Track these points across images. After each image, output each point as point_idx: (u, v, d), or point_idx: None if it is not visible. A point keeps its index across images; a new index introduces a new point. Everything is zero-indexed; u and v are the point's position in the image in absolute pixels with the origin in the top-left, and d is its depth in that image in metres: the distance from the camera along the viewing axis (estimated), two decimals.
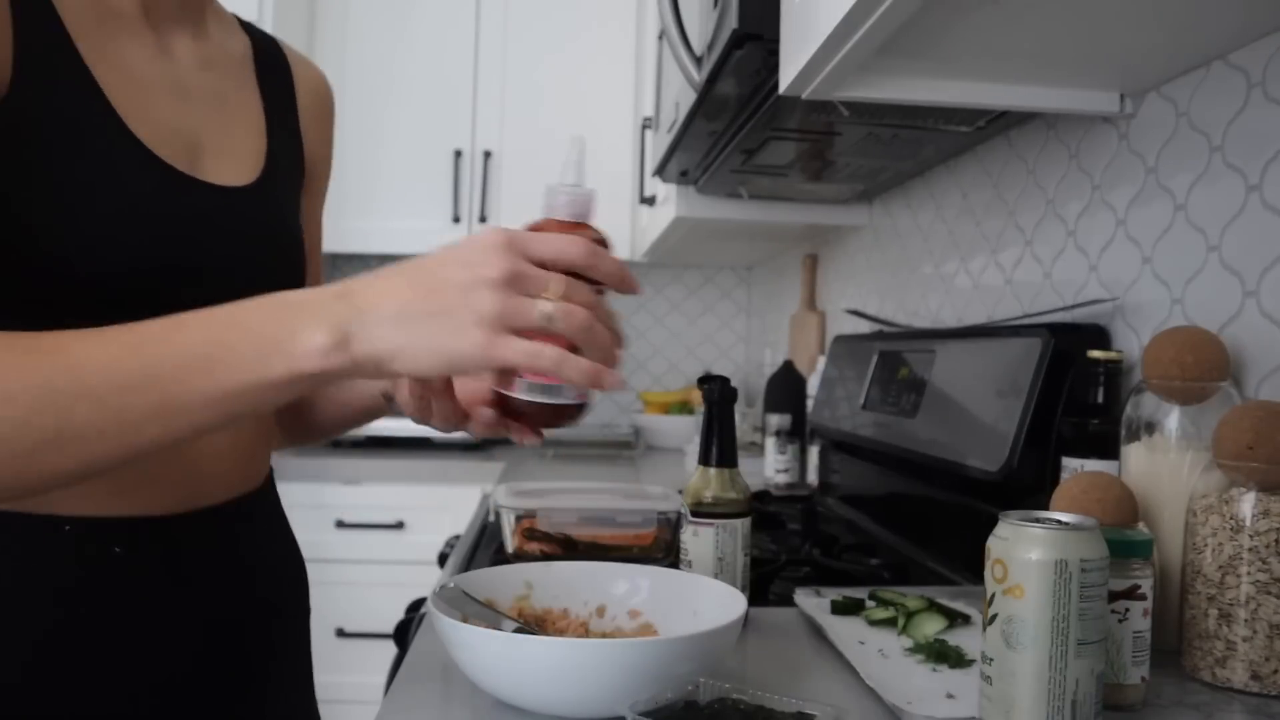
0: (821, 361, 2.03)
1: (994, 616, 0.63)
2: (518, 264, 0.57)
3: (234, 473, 0.81)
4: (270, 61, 0.91)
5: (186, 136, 0.77)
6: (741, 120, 1.39)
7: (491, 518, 1.44)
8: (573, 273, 0.59)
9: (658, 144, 1.88)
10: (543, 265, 0.58)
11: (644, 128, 2.29)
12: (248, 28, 0.91)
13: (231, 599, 0.79)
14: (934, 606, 0.91)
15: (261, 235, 0.81)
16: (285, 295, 0.58)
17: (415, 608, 1.18)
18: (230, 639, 0.79)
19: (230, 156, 0.81)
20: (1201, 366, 0.84)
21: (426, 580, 1.95)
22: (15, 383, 0.53)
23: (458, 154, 2.77)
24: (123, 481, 0.71)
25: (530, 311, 0.57)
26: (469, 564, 1.25)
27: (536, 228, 0.63)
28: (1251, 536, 0.73)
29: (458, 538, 1.48)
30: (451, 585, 0.79)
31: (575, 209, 0.64)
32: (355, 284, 0.58)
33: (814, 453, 1.94)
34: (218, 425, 0.58)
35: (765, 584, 1.11)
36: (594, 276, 0.60)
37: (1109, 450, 0.95)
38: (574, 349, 0.59)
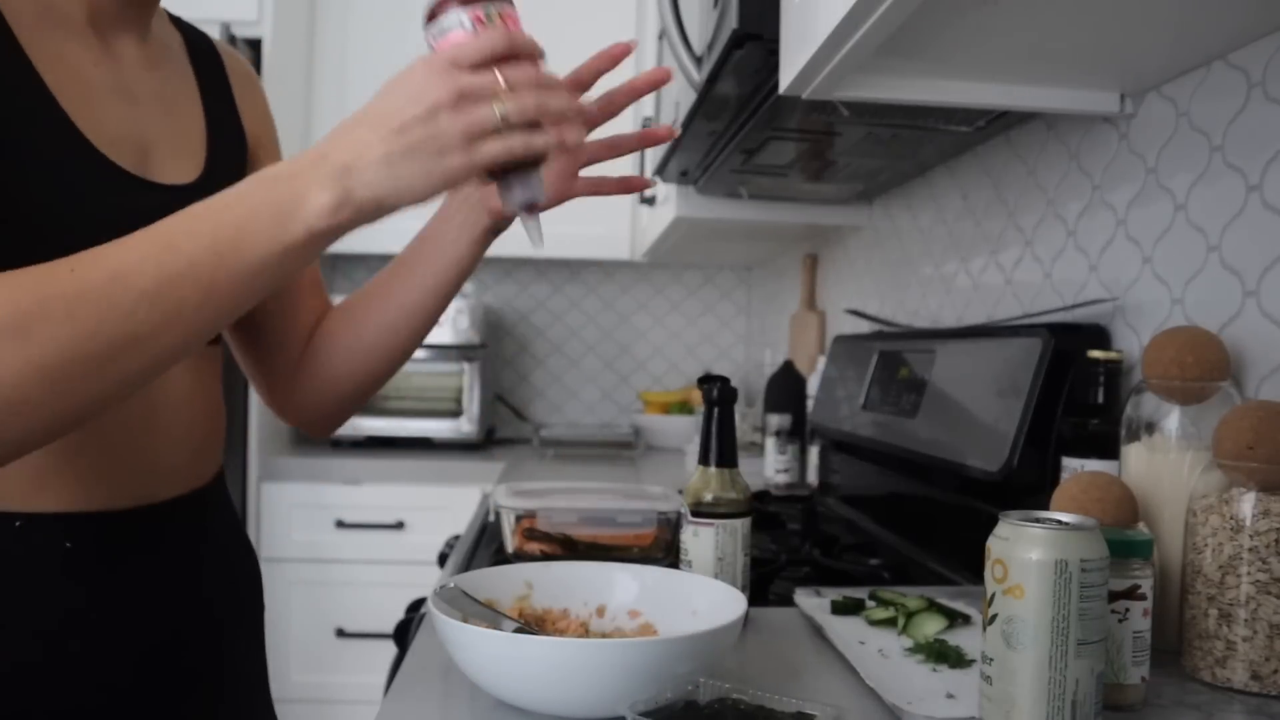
0: (821, 361, 2.03)
1: (994, 616, 0.63)
2: (457, 79, 0.63)
3: (185, 468, 0.82)
4: (203, 56, 0.91)
5: (135, 139, 0.77)
6: (741, 120, 1.39)
7: (491, 518, 1.44)
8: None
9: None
10: (475, 68, 0.64)
11: (644, 128, 2.29)
12: (178, 23, 0.91)
13: (183, 595, 0.80)
14: (934, 606, 0.91)
15: None
16: (273, 169, 0.63)
17: (415, 608, 1.18)
18: (181, 636, 0.79)
19: (177, 156, 0.82)
20: (1201, 366, 0.84)
21: (426, 580, 1.95)
22: (75, 300, 0.57)
23: None
24: (73, 476, 0.72)
25: (488, 117, 0.63)
26: (469, 564, 1.25)
27: (434, 10, 0.69)
28: (1251, 536, 0.73)
29: (458, 538, 1.48)
30: (451, 585, 0.79)
31: None
32: (326, 146, 0.63)
33: (814, 453, 1.94)
34: (255, 300, 0.63)
35: (765, 584, 1.11)
36: (517, 54, 0.66)
37: (1109, 450, 0.95)
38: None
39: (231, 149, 0.90)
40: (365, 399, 0.98)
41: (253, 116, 0.95)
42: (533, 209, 0.70)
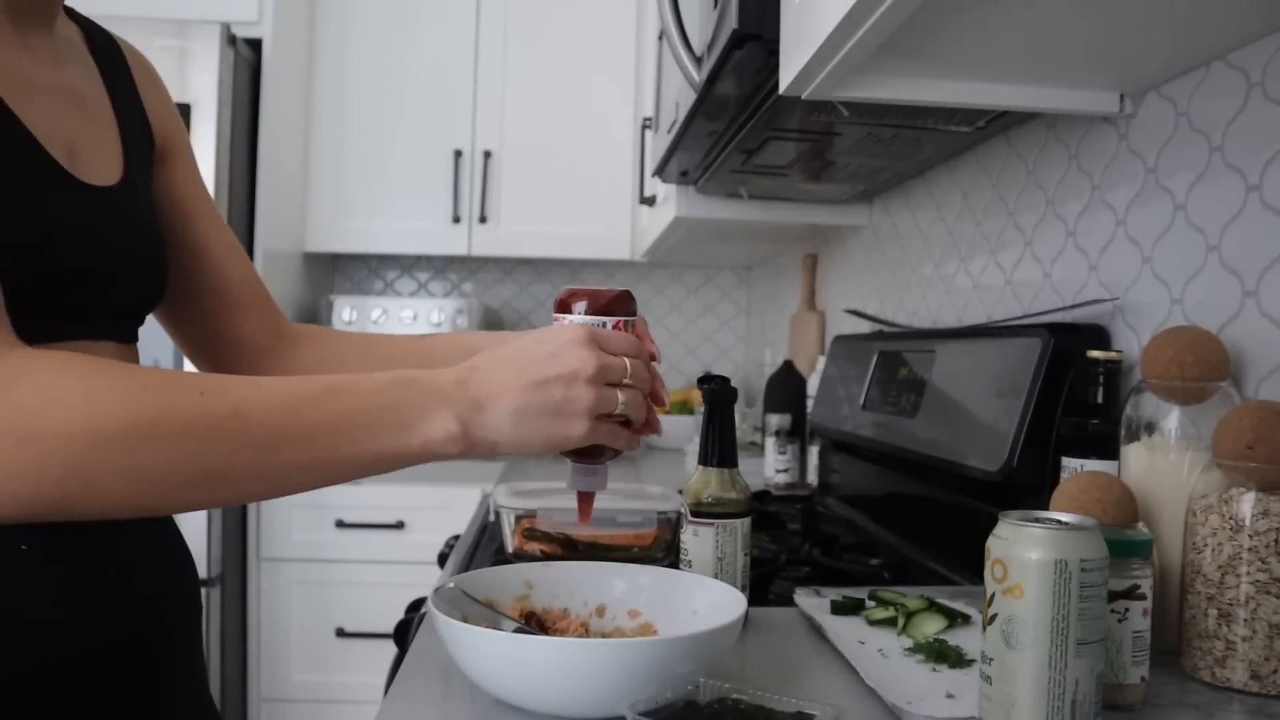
0: (821, 361, 2.03)
1: (994, 616, 0.63)
2: (601, 359, 0.68)
3: None
4: (104, 51, 0.87)
5: (64, 137, 0.75)
6: (741, 120, 1.39)
7: (491, 518, 1.44)
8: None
9: (658, 144, 1.88)
10: (614, 354, 0.70)
11: (644, 128, 2.29)
12: (73, 15, 0.86)
13: (138, 596, 0.78)
14: (934, 606, 0.91)
15: (134, 235, 0.81)
16: (415, 375, 0.67)
17: (415, 608, 1.18)
18: (139, 639, 0.77)
19: (98, 156, 0.79)
20: (1201, 366, 0.84)
21: (426, 580, 1.95)
22: (191, 421, 0.59)
23: (458, 154, 2.77)
24: None
25: (613, 401, 0.69)
26: (469, 564, 1.25)
27: (568, 293, 0.76)
28: (1251, 536, 0.73)
29: (458, 538, 1.48)
30: (451, 585, 0.79)
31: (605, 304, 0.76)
32: (473, 374, 0.67)
33: (814, 453, 1.94)
34: (348, 480, 0.67)
35: (765, 584, 1.11)
36: (642, 358, 0.73)
37: (1109, 450, 0.95)
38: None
39: (143, 148, 0.87)
40: None
41: (157, 110, 0.91)
42: (587, 496, 0.78)
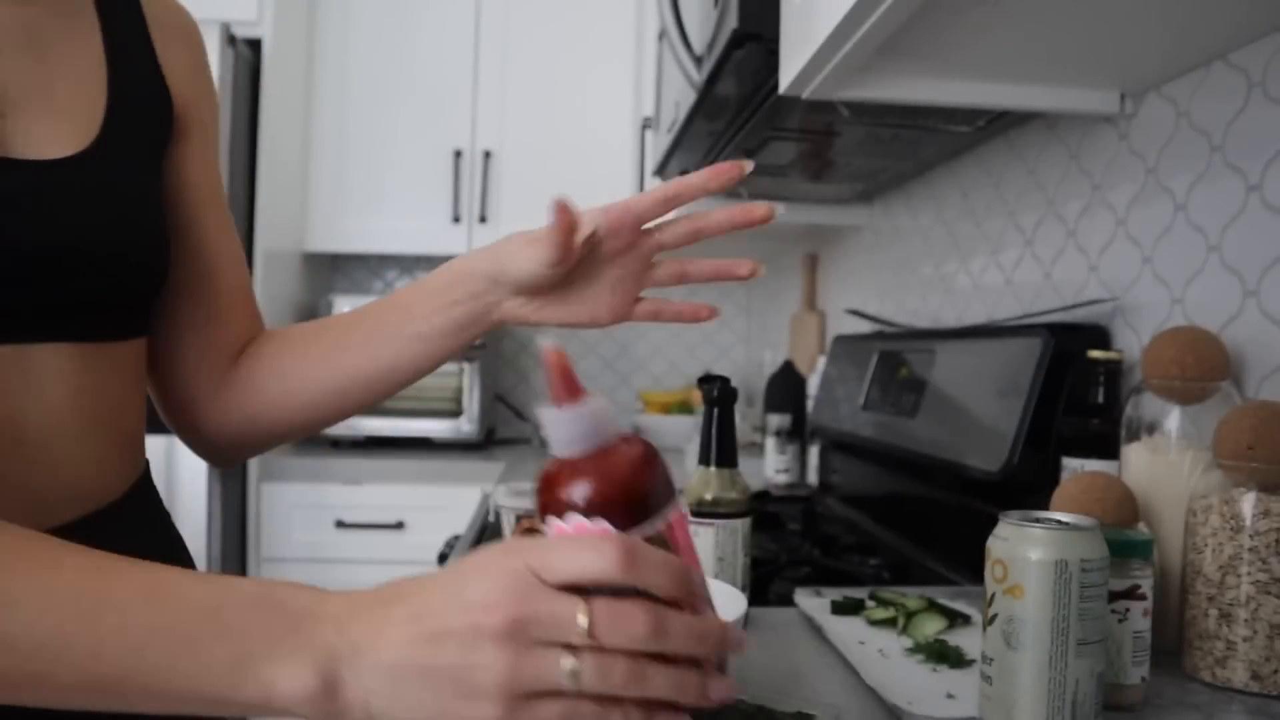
0: (821, 361, 2.03)
1: (994, 616, 0.63)
2: (527, 601, 0.44)
3: (79, 493, 0.68)
4: None
5: None
6: (741, 120, 1.39)
7: (491, 518, 1.44)
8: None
9: (658, 144, 1.88)
10: (567, 588, 0.44)
11: (644, 128, 2.29)
12: None
13: None
14: (934, 606, 0.91)
15: (99, 215, 0.66)
16: (280, 593, 0.48)
17: None
18: None
19: (51, 118, 0.65)
20: (1201, 366, 0.84)
21: None
22: None
23: (458, 154, 2.77)
24: None
25: (550, 671, 0.43)
26: None
27: (550, 477, 0.49)
28: (1251, 536, 0.73)
29: (458, 538, 1.48)
30: None
31: (586, 434, 0.48)
32: (355, 607, 0.47)
33: (814, 453, 1.94)
34: (155, 715, 0.48)
35: (765, 584, 1.11)
36: (640, 587, 0.44)
37: (1109, 450, 0.95)
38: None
39: (142, 114, 0.72)
40: (296, 439, 0.85)
41: (182, 76, 0.76)
42: None
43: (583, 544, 0.44)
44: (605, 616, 0.43)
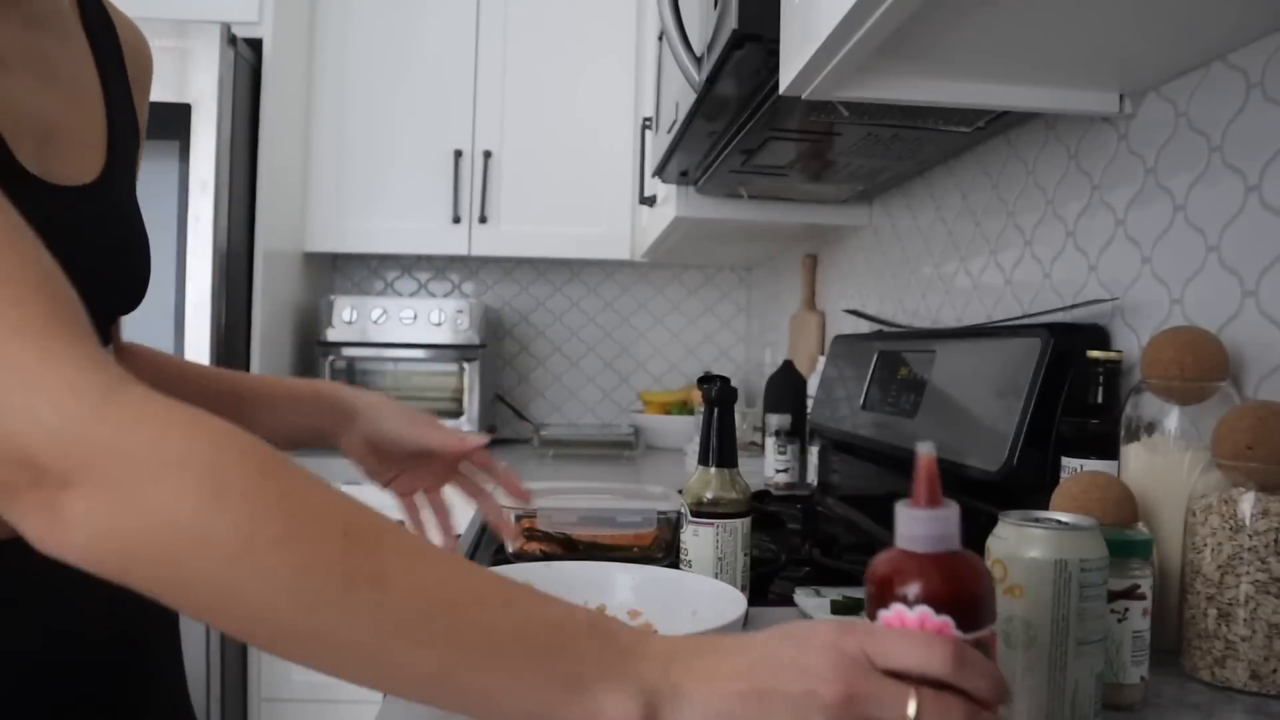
0: (821, 361, 2.03)
1: None
2: (861, 680, 0.46)
3: None
4: (95, 19, 0.75)
5: (36, 123, 0.64)
6: (741, 120, 1.39)
7: None
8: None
9: (658, 144, 1.88)
10: (896, 675, 0.47)
11: (644, 128, 2.29)
12: None
13: (101, 611, 0.72)
14: None
15: (111, 237, 0.70)
16: (618, 630, 0.50)
17: None
18: (127, 634, 0.74)
19: (79, 145, 0.68)
20: (1201, 366, 0.84)
21: None
22: (315, 565, 0.46)
23: (458, 154, 2.77)
24: None
25: None
26: None
27: (894, 568, 0.51)
28: (1251, 536, 0.73)
29: (458, 537, 1.48)
30: None
31: (939, 538, 0.51)
32: (680, 651, 0.49)
33: (814, 453, 1.94)
34: (451, 710, 0.49)
35: (765, 584, 1.11)
36: (963, 688, 0.46)
37: (1109, 450, 0.95)
38: None
39: (130, 139, 0.75)
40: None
41: (141, 102, 0.79)
42: None
43: (918, 638, 0.47)
44: (932, 705, 0.45)
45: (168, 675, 0.84)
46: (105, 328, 0.76)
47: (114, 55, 0.76)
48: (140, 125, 0.81)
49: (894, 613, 0.50)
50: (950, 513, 0.50)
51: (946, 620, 0.48)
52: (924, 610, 0.49)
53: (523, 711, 0.47)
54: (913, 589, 0.49)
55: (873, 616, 0.51)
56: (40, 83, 0.66)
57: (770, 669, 0.47)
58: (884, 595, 0.51)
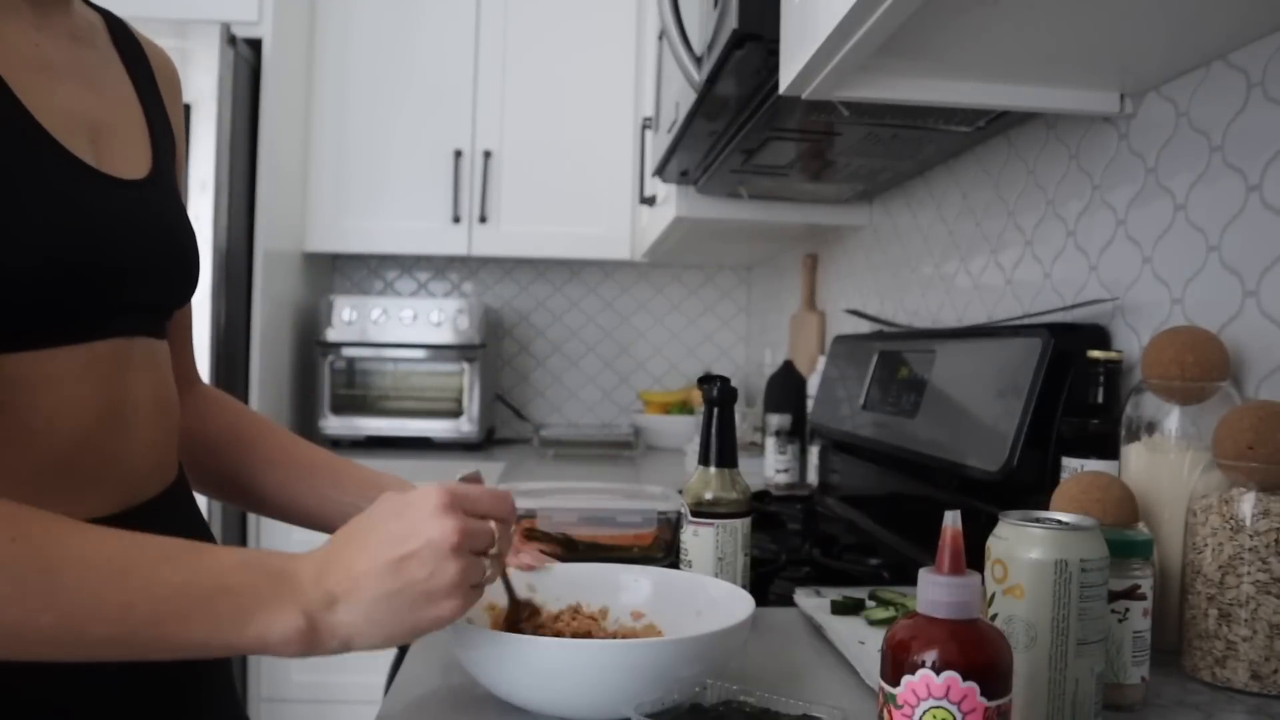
0: (821, 361, 2.03)
1: (994, 616, 0.63)
2: (465, 523, 0.61)
3: (158, 467, 0.79)
4: (125, 41, 0.83)
5: (87, 123, 0.71)
6: (741, 120, 1.39)
7: None
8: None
9: (658, 144, 1.88)
10: (478, 517, 0.63)
11: (644, 128, 2.29)
12: (91, 3, 0.83)
13: None
14: None
15: (167, 232, 0.78)
16: (267, 559, 0.61)
17: None
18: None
19: (125, 145, 0.76)
20: (1201, 366, 0.84)
21: None
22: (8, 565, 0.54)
23: (458, 154, 2.77)
24: (65, 487, 0.69)
25: (480, 571, 0.63)
26: None
27: (916, 633, 0.53)
28: (1251, 536, 0.73)
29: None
30: None
31: (961, 607, 0.53)
32: (329, 563, 0.60)
33: (814, 453, 1.94)
34: (168, 660, 0.59)
35: (765, 584, 1.11)
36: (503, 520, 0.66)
37: (1109, 450, 0.95)
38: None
39: (168, 145, 0.83)
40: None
41: (175, 116, 0.88)
42: None
43: (490, 493, 0.65)
44: (502, 534, 0.64)
45: (219, 675, 0.87)
46: (161, 321, 0.80)
47: (144, 72, 0.84)
48: (176, 132, 0.87)
49: (920, 679, 0.51)
50: (973, 581, 0.53)
51: (973, 687, 0.50)
52: (949, 675, 0.51)
53: (204, 648, 0.58)
54: (932, 654, 0.51)
55: (895, 681, 0.53)
56: (87, 90, 0.73)
57: (395, 542, 0.60)
58: (904, 660, 0.52)
